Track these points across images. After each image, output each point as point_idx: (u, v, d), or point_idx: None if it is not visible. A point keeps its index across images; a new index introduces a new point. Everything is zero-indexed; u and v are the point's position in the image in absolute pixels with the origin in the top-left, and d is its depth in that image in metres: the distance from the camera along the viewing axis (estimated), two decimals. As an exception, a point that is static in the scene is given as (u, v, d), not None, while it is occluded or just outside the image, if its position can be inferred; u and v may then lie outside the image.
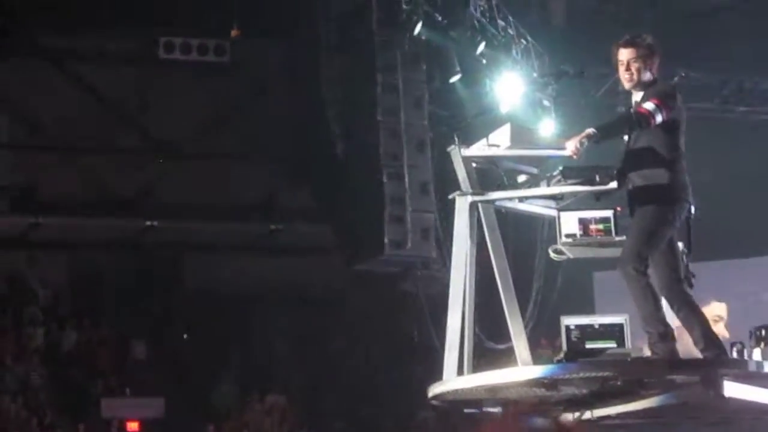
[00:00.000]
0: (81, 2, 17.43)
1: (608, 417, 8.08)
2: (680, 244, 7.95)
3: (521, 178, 8.45)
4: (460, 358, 8.26)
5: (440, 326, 8.61)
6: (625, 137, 7.95)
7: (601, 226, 8.28)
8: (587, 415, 8.09)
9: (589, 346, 7.94)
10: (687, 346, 7.93)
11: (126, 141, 19.56)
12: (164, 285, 19.86)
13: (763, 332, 8.45)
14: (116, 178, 19.39)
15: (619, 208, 8.21)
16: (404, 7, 15.16)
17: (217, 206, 19.34)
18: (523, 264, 15.07)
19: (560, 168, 8.03)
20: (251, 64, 18.84)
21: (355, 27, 16.03)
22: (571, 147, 7.63)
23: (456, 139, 8.40)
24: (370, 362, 19.88)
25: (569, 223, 8.32)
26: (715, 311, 9.59)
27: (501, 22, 15.94)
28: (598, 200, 8.15)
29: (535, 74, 16.07)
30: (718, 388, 7.44)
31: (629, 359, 7.80)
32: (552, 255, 8.54)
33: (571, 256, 8.49)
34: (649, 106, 7.72)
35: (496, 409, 8.48)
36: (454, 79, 15.75)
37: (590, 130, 7.64)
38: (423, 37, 15.41)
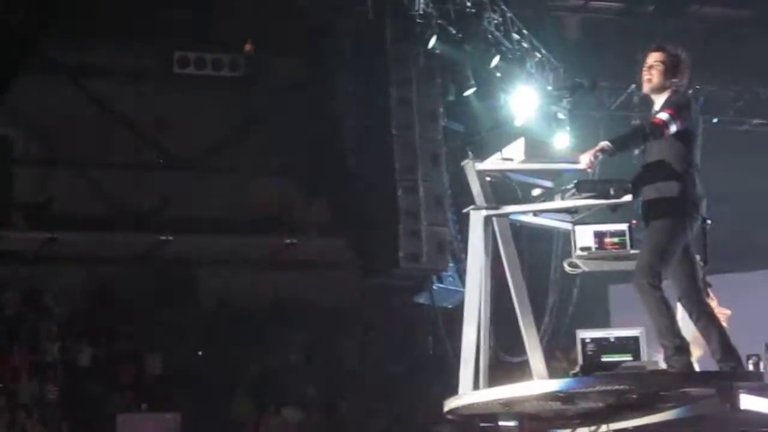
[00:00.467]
0: (95, 18, 17.50)
1: (624, 430, 8.06)
2: (697, 257, 7.95)
3: (536, 192, 8.46)
4: (475, 371, 8.27)
5: (455, 340, 8.61)
6: (637, 151, 7.97)
7: (616, 240, 8.28)
8: (603, 429, 8.07)
9: (604, 359, 7.95)
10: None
11: (141, 156, 19.62)
12: (179, 299, 19.88)
13: (779, 345, 8.45)
14: (132, 192, 19.45)
15: (634, 222, 8.22)
16: (418, 21, 15.17)
17: (231, 220, 19.39)
18: (538, 277, 15.10)
19: (575, 181, 8.03)
20: (266, 79, 18.90)
21: (369, 41, 16.05)
22: (585, 160, 7.64)
23: (470, 153, 8.41)
24: (385, 376, 19.87)
25: (584, 236, 8.33)
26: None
27: (515, 36, 15.96)
28: (614, 212, 8.15)
29: (549, 87, 16.07)
30: (735, 401, 7.43)
31: (645, 372, 7.80)
32: (567, 268, 8.55)
33: (587, 270, 8.49)
34: (663, 116, 7.73)
35: (512, 423, 8.48)
36: (469, 92, 15.75)
37: (604, 143, 7.65)
38: (437, 51, 15.41)
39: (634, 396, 7.70)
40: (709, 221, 7.90)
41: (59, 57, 18.50)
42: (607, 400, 7.79)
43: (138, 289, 19.70)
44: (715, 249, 8.02)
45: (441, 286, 15.92)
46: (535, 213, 8.46)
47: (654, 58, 7.96)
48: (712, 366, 7.83)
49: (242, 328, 19.62)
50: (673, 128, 7.71)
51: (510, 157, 8.32)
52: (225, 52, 18.35)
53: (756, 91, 17.96)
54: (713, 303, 8.79)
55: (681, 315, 7.99)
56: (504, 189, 8.42)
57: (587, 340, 8.02)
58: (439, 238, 15.45)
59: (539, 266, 14.71)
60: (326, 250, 19.48)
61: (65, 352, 18.92)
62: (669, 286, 7.87)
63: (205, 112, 19.14)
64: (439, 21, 15.22)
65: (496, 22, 15.65)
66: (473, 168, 8.34)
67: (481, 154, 8.45)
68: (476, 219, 8.33)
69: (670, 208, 7.76)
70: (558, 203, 8.23)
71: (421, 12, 15.08)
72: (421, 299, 16.32)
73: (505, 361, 13.61)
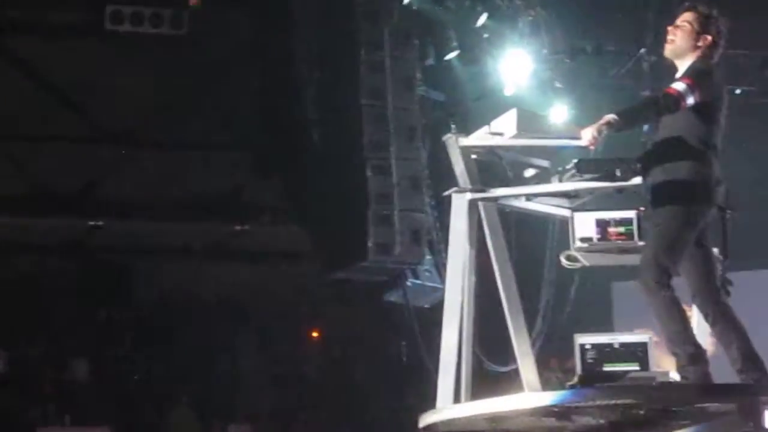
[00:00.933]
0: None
1: (629, 452, 8.10)
2: (715, 250, 7.95)
3: (529, 173, 8.48)
4: (456, 382, 8.29)
5: (433, 345, 8.61)
6: (646, 127, 7.98)
7: (621, 229, 8.32)
8: (604, 449, 8.12)
9: (607, 368, 7.99)
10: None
11: (66, 128, 19.51)
12: (110, 294, 19.85)
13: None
14: (56, 171, 19.36)
15: (642, 209, 8.22)
16: (392, -29, 15.20)
17: (172, 204, 19.33)
18: (531, 272, 15.11)
19: (575, 161, 8.04)
20: (214, 39, 18.82)
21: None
22: (587, 136, 7.65)
23: (453, 126, 8.41)
24: (352, 387, 19.91)
25: (585, 225, 8.37)
26: None
27: (506, -10, 15.99)
28: (620, 193, 8.16)
29: (545, 51, 16.07)
30: (759, 418, 7.45)
31: (654, 384, 7.80)
32: (564, 262, 8.58)
33: (587, 264, 8.53)
34: (679, 86, 7.73)
35: (498, 442, 8.49)
36: (451, 56, 15.77)
37: (610, 117, 7.66)
38: (414, 7, 15.42)
39: (642, 411, 7.74)
40: (729, 211, 7.90)
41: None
42: (610, 417, 7.84)
43: (62, 282, 19.65)
44: (737, 242, 8.00)
45: (416, 281, 15.96)
46: (528, 197, 8.48)
47: (682, 18, 7.99)
48: (732, 377, 7.84)
49: (183, 328, 19.62)
50: (691, 100, 7.71)
51: (499, 132, 8.33)
52: (166, 6, 18.24)
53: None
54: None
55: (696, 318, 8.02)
56: (492, 168, 8.44)
57: (587, 347, 8.05)
58: (415, 226, 15.47)
59: (532, 259, 14.73)
60: (282, 239, 19.48)
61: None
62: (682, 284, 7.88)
63: (142, 76, 19.05)
64: (416, -29, 15.23)
65: (484, -27, 15.67)
66: (456, 144, 8.36)
67: (466, 128, 8.45)
68: (459, 203, 8.36)
69: (679, 192, 7.76)
70: (555, 186, 8.27)
71: (396, -38, 15.11)
72: (393, 297, 16.36)
73: (491, 370, 13.64)
